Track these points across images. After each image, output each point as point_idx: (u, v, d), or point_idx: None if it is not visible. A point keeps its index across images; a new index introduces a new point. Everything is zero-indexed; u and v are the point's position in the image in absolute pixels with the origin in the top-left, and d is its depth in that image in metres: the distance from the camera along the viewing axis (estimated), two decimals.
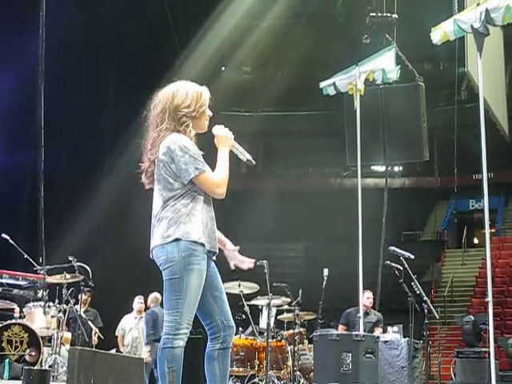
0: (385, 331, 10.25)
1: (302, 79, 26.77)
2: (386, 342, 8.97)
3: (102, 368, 5.42)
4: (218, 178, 4.08)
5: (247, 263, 4.48)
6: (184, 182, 4.03)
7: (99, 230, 16.46)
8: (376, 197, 13.88)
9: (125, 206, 15.17)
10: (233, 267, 4.47)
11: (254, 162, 4.29)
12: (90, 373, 5.33)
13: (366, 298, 10.68)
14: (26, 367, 7.32)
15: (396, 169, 30.24)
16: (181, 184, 4.06)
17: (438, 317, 8.77)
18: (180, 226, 4.02)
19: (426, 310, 7.92)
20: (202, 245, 4.06)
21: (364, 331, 9.73)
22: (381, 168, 25.26)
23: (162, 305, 11.52)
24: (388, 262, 8.58)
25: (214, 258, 4.23)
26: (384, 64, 10.46)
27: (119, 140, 15.20)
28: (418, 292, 7.88)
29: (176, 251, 4.00)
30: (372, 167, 25.74)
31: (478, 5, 7.99)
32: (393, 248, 8.23)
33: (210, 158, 4.18)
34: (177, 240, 4.00)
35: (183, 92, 4.18)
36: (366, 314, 10.62)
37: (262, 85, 29.19)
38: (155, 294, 11.34)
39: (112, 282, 14.36)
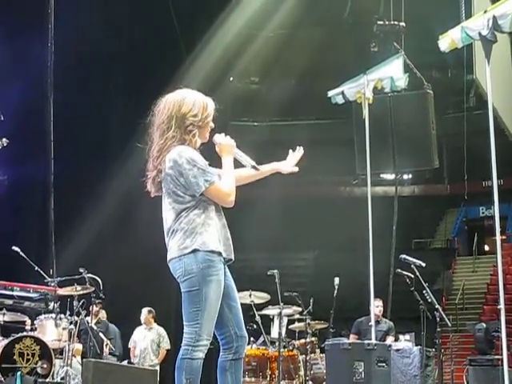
0: (397, 339, 10.22)
1: (310, 88, 26.81)
2: (398, 350, 8.94)
3: (115, 380, 5.44)
4: (227, 187, 4.08)
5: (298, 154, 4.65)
6: (195, 194, 4.03)
7: (109, 240, 16.45)
8: (386, 205, 13.86)
9: (133, 214, 15.18)
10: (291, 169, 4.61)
11: (258, 168, 4.31)
12: None
13: (375, 306, 10.63)
14: (39, 380, 7.35)
15: (405, 177, 30.15)
16: (191, 196, 4.05)
17: (450, 325, 8.73)
18: (196, 237, 4.01)
19: (438, 318, 7.88)
20: (220, 254, 4.05)
21: (375, 340, 9.69)
22: (390, 176, 25.12)
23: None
24: (399, 270, 8.56)
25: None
26: (392, 72, 10.46)
27: (126, 147, 15.23)
28: (429, 300, 7.84)
29: (194, 263, 3.99)
30: (381, 175, 25.63)
31: (485, 12, 7.97)
32: (404, 256, 8.20)
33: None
34: (194, 251, 4.00)
35: (191, 100, 4.17)
36: (377, 322, 10.58)
37: (270, 94, 29.21)
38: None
39: (123, 293, 14.36)
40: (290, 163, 4.58)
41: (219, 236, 4.09)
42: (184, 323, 4.05)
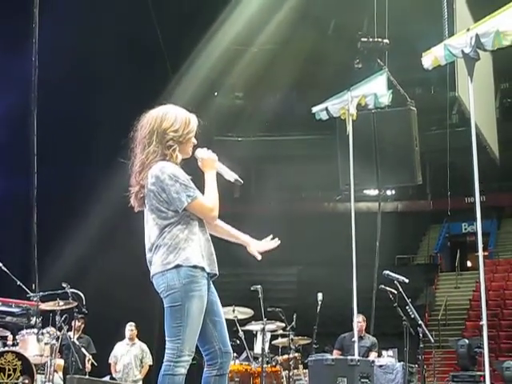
0: (380, 355, 10.22)
1: (294, 104, 26.94)
2: (381, 366, 8.95)
3: None
4: (210, 202, 4.08)
5: (272, 244, 4.52)
6: (178, 210, 4.02)
7: (92, 255, 16.39)
8: (369, 221, 13.88)
9: (119, 229, 15.14)
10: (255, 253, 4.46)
11: (241, 181, 4.28)
12: None
13: (356, 322, 10.63)
14: None
15: (388, 192, 30.28)
16: (174, 211, 4.05)
17: (433, 340, 8.74)
18: (180, 252, 4.01)
19: (420, 334, 7.89)
20: (203, 269, 4.04)
21: (358, 356, 9.68)
22: (373, 192, 25.30)
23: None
24: (382, 286, 8.57)
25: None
26: (376, 88, 10.54)
27: (112, 161, 15.22)
28: (412, 316, 7.85)
29: (177, 278, 3.98)
30: (364, 191, 25.77)
31: (468, 30, 8.05)
32: (387, 272, 8.21)
33: (195, 182, 4.18)
34: (177, 266, 3.99)
35: (172, 116, 4.17)
36: (361, 338, 10.58)
37: (255, 109, 29.31)
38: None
39: (104, 308, 14.29)
40: (260, 247, 4.48)
41: (202, 251, 4.08)
42: (166, 338, 4.04)
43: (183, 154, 4.23)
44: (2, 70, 12.11)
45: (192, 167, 4.27)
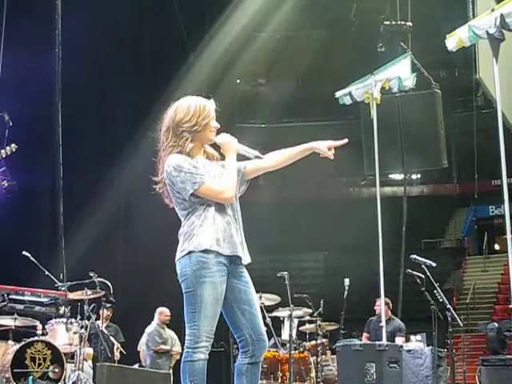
0: (408, 340, 10.17)
1: (318, 89, 26.79)
2: (409, 351, 8.91)
3: (129, 383, 5.43)
4: (220, 186, 4.10)
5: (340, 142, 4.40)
6: (186, 198, 4.08)
7: (119, 244, 16.46)
8: (394, 205, 13.84)
9: (142, 219, 15.19)
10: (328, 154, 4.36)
11: (262, 157, 4.31)
12: None
13: (376, 305, 10.63)
14: None
15: (414, 176, 30.12)
16: (189, 201, 4.10)
17: (461, 324, 8.69)
18: (193, 239, 4.05)
19: (449, 318, 7.85)
20: (217, 253, 4.05)
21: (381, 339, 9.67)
22: (398, 176, 25.19)
23: None
24: (409, 271, 8.54)
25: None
26: (400, 72, 10.44)
27: (135, 149, 15.27)
28: (440, 300, 7.81)
29: (188, 265, 4.03)
30: (390, 176, 25.67)
31: (492, 10, 7.96)
32: (414, 256, 8.18)
33: None
34: (189, 253, 4.04)
35: (185, 107, 4.19)
36: (387, 322, 10.61)
37: (277, 96, 29.19)
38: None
39: (132, 296, 14.36)
40: (327, 144, 4.36)
41: (218, 235, 4.09)
42: (186, 325, 4.08)
43: (204, 141, 4.27)
44: (26, 62, 12.16)
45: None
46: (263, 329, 4.20)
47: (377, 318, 10.54)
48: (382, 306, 9.78)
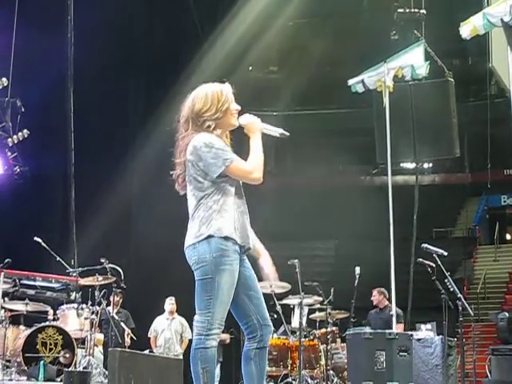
0: (413, 329, 10.14)
1: (330, 77, 26.71)
2: (419, 339, 8.90)
3: (141, 369, 5.45)
4: (248, 165, 4.06)
5: (272, 277, 4.38)
6: (214, 175, 4.02)
7: (131, 231, 16.52)
8: (406, 194, 13.77)
9: (153, 207, 15.22)
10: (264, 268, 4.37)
11: (287, 134, 4.26)
12: (130, 374, 5.36)
13: (372, 296, 10.91)
14: (66, 369, 7.41)
15: (426, 165, 29.98)
16: (210, 182, 4.05)
17: (472, 314, 8.66)
18: (212, 223, 4.01)
19: (460, 307, 7.82)
20: (235, 242, 4.04)
21: (376, 328, 9.69)
22: (410, 165, 25.05)
23: None
24: (420, 260, 8.51)
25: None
26: (413, 60, 10.39)
27: (147, 136, 15.27)
28: (451, 289, 7.78)
29: (208, 251, 3.98)
30: (401, 164, 25.55)
31: None
32: (425, 245, 8.14)
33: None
34: (209, 237, 3.98)
35: (202, 96, 4.16)
36: (381, 310, 10.78)
37: (289, 83, 29.11)
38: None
39: (142, 283, 14.41)
40: (268, 266, 4.34)
41: (235, 224, 4.07)
42: (196, 311, 4.06)
43: (228, 127, 4.24)
44: (39, 48, 12.17)
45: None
46: (267, 314, 4.21)
47: (375, 310, 10.92)
48: (392, 294, 9.77)
